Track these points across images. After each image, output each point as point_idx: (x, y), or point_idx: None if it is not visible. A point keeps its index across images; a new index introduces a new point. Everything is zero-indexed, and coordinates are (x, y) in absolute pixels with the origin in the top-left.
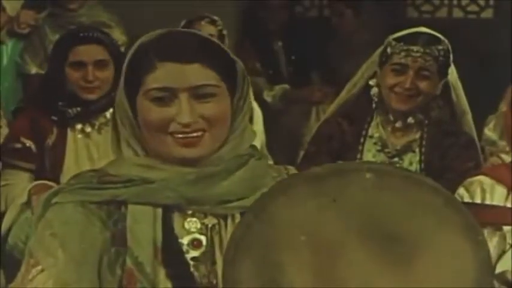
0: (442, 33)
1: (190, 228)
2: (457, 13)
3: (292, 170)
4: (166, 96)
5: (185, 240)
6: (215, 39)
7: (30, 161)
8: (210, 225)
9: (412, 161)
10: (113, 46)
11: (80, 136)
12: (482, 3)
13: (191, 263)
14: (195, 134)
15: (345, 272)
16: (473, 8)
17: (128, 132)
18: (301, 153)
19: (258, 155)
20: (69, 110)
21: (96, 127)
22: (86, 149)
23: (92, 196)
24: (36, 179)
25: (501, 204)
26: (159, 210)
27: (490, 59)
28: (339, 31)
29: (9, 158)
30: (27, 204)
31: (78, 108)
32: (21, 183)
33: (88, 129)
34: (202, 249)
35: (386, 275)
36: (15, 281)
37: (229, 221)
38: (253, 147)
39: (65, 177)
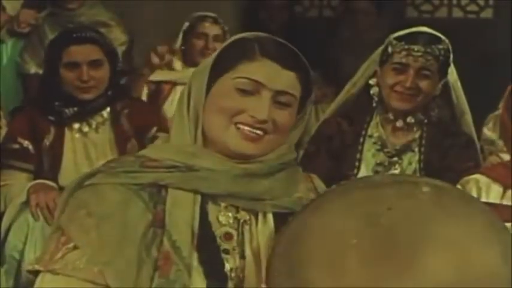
0: (442, 33)
1: (223, 221)
2: (457, 13)
3: (315, 178)
4: (251, 88)
5: (218, 233)
6: (306, 62)
7: (28, 161)
8: (242, 221)
9: (411, 161)
10: (107, 45)
11: (77, 136)
12: (482, 3)
13: (223, 254)
14: (259, 132)
15: (384, 281)
16: (473, 8)
17: (187, 115)
18: (301, 153)
19: (295, 164)
20: (66, 110)
21: (93, 126)
22: (83, 148)
23: (134, 179)
24: (34, 179)
25: (496, 202)
26: (199, 197)
27: (490, 59)
28: (348, 29)
29: (7, 158)
30: (26, 203)
31: (75, 108)
32: (20, 183)
33: (85, 128)
34: (233, 243)
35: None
36: (42, 258)
37: (260, 218)
38: (295, 159)
39: (63, 177)
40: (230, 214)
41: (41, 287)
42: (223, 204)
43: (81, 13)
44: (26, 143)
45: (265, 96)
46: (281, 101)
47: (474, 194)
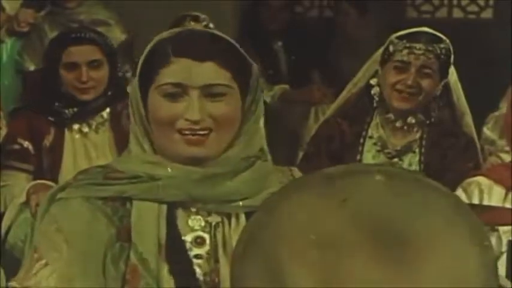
0: (442, 34)
1: (194, 226)
2: (457, 13)
3: (296, 171)
4: (177, 92)
5: (189, 238)
6: (233, 40)
7: (28, 162)
8: (213, 224)
9: (411, 162)
10: (106, 46)
11: (77, 136)
12: (482, 3)
13: (194, 260)
14: (202, 132)
15: (351, 273)
16: (473, 8)
17: (138, 128)
18: (300, 153)
19: (265, 157)
20: (66, 111)
21: (93, 127)
22: (83, 149)
23: (98, 192)
24: (34, 180)
25: (499, 204)
26: (164, 207)
27: (490, 59)
28: (342, 30)
29: (7, 159)
30: (26, 203)
31: (75, 109)
32: (20, 183)
33: (85, 129)
34: (206, 247)
35: (390, 276)
36: (18, 275)
37: (233, 219)
38: (261, 150)
39: (63, 178)
40: (201, 218)
41: None
42: (193, 209)
43: (81, 12)
44: (26, 143)
45: (193, 95)
46: (213, 93)
47: (476, 196)
